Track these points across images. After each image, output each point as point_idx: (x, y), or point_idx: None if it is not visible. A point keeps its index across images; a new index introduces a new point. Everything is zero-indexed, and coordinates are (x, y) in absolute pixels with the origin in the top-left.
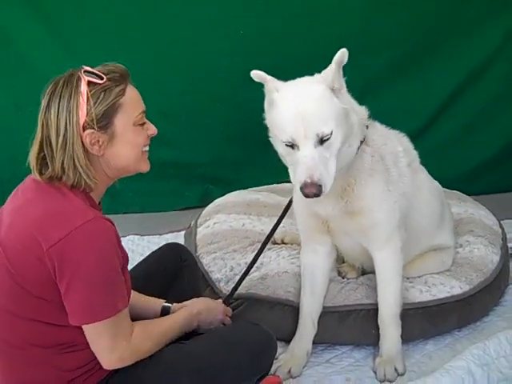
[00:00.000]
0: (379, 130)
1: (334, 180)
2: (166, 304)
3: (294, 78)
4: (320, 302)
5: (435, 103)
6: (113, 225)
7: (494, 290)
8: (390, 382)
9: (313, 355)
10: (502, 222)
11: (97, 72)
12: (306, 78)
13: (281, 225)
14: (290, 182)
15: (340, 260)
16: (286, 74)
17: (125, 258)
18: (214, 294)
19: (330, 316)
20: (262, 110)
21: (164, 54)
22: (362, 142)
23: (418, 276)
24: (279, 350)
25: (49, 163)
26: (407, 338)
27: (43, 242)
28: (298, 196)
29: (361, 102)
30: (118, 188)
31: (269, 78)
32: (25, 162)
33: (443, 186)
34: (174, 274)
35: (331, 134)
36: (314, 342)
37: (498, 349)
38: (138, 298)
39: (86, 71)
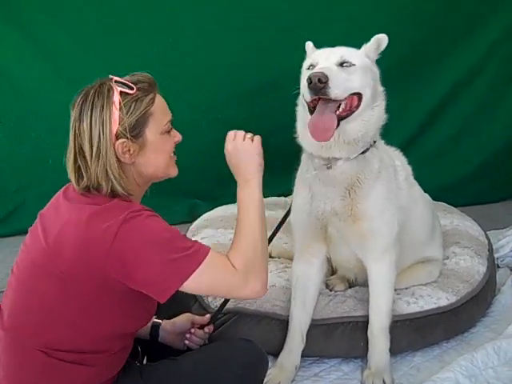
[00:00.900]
0: (381, 142)
1: (346, 167)
2: (156, 320)
3: (283, 91)
4: (310, 314)
5: (420, 116)
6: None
7: (480, 301)
8: None
9: (301, 369)
10: (487, 232)
11: (127, 82)
12: None
13: None
14: (278, 195)
15: (328, 273)
16: (273, 87)
17: None
18: (202, 308)
19: (318, 329)
20: (248, 125)
21: (149, 68)
22: (373, 143)
23: (405, 288)
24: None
25: (83, 173)
26: (395, 350)
27: (101, 244)
28: (300, 198)
29: None
30: None
31: (312, 46)
32: (8, 174)
33: None
34: None
35: (355, 64)
36: (302, 356)
37: (485, 360)
38: None
39: (116, 81)
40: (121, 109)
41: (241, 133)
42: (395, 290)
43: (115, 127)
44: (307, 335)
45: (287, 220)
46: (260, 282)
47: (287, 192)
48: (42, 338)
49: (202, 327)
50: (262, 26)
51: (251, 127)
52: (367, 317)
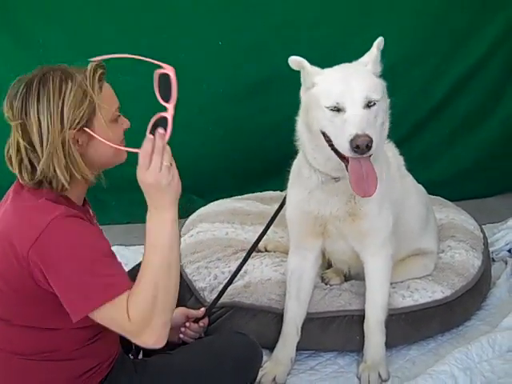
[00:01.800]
0: None
1: None
2: None
3: (279, 89)
4: (305, 308)
5: (418, 113)
6: (82, 219)
7: (475, 294)
8: None
9: (297, 362)
10: (483, 226)
11: (72, 69)
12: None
13: None
14: (273, 190)
15: (323, 266)
16: (267, 86)
17: None
18: (198, 303)
19: (314, 323)
20: (242, 121)
21: (142, 66)
22: None
23: (400, 281)
24: (263, 358)
25: (36, 166)
26: (391, 343)
27: (20, 247)
28: (295, 197)
29: None
30: (102, 199)
31: (308, 64)
32: None
33: None
34: None
35: (378, 101)
36: (297, 349)
37: (480, 353)
38: None
39: (59, 69)
40: (69, 98)
41: (156, 160)
42: (390, 283)
43: (65, 117)
44: (302, 329)
45: (282, 214)
46: (155, 336)
47: (283, 188)
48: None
49: (196, 321)
50: (258, 23)
51: (247, 125)
52: (363, 310)
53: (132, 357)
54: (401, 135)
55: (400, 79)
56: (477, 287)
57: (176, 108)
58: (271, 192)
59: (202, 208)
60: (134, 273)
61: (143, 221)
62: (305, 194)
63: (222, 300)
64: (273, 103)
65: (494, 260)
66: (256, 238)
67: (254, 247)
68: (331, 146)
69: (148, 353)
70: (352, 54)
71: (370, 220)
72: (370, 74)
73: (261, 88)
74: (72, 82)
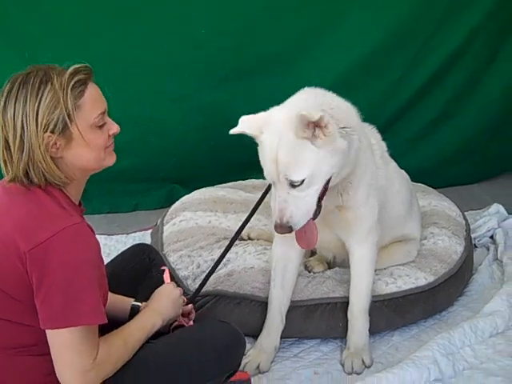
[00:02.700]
0: (359, 127)
1: (338, 179)
2: (135, 303)
3: (259, 76)
4: (289, 295)
5: (400, 100)
6: (94, 233)
7: (458, 280)
8: (358, 374)
9: (280, 350)
10: (465, 213)
11: (54, 71)
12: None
13: None
14: (256, 178)
15: (307, 254)
16: (248, 73)
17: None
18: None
19: (298, 310)
20: (222, 109)
21: (123, 55)
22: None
23: (383, 268)
24: (247, 345)
25: (9, 165)
26: (374, 330)
27: (24, 244)
28: None
29: None
30: (85, 189)
31: (247, 126)
32: None
33: None
34: (143, 274)
35: (302, 181)
36: (281, 337)
37: (462, 338)
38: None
39: (43, 70)
40: (45, 100)
41: (178, 292)
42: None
43: (39, 120)
44: (286, 316)
45: (266, 201)
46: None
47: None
48: None
49: (184, 315)
50: (237, 10)
51: (227, 113)
52: (346, 298)
53: None
54: (383, 123)
55: (381, 66)
56: (459, 273)
57: (156, 98)
58: (254, 180)
59: (185, 197)
60: (115, 263)
61: (123, 210)
62: None
63: (205, 289)
64: (256, 89)
65: (476, 246)
66: (239, 226)
67: (237, 235)
68: None
69: None
70: (336, 37)
71: (356, 210)
72: (299, 146)
73: (243, 75)
74: (51, 84)
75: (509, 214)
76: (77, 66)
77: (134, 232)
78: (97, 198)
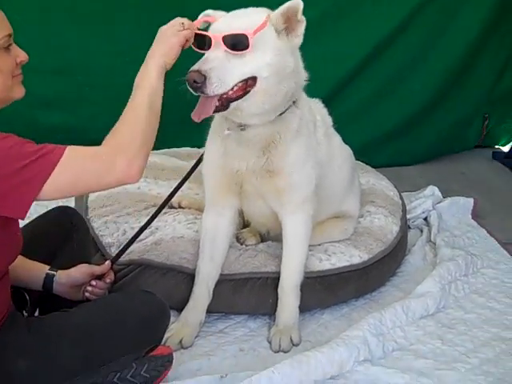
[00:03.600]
0: (304, 97)
1: (262, 129)
2: (50, 271)
3: None
4: (218, 269)
5: (340, 74)
6: None
7: (392, 260)
8: (285, 352)
9: (206, 325)
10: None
11: None
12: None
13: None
14: (191, 146)
15: (240, 226)
16: None
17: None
18: (104, 259)
19: (226, 284)
20: None
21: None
22: (294, 103)
23: (318, 244)
24: (171, 319)
25: None
26: (304, 307)
27: None
28: (213, 153)
29: None
30: None
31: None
32: None
33: None
34: (64, 238)
35: (247, 46)
36: (207, 312)
37: (393, 319)
38: (21, 262)
39: None
40: None
41: (177, 20)
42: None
43: None
44: (214, 290)
45: (199, 170)
46: (131, 163)
47: (201, 144)
48: None
49: (101, 277)
50: None
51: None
52: (278, 273)
53: (26, 314)
54: (323, 96)
55: (324, 34)
56: (393, 253)
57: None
58: (188, 148)
59: None
60: (35, 225)
61: None
62: (219, 148)
63: (130, 257)
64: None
65: (409, 227)
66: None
67: (166, 202)
68: None
69: (45, 310)
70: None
71: (287, 177)
72: (260, 20)
73: None
74: None
75: (444, 196)
76: None
77: None
78: None
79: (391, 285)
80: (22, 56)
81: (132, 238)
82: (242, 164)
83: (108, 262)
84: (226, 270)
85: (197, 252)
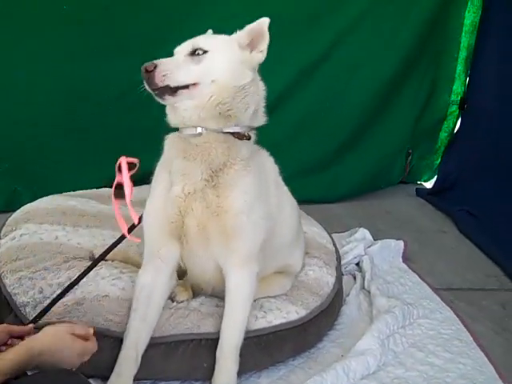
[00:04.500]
0: (256, 146)
1: (212, 137)
2: None
3: (131, 55)
4: (150, 331)
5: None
6: None
7: (329, 314)
8: None
9: None
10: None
11: None
12: None
13: (102, 239)
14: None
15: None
16: (123, 51)
17: None
18: (18, 320)
19: (156, 348)
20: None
21: None
22: (249, 138)
23: (254, 299)
24: None
25: None
26: (240, 370)
27: None
28: (158, 186)
29: None
30: None
31: None
32: None
33: None
34: None
35: (205, 52)
36: (135, 379)
37: (335, 381)
38: None
39: None
40: None
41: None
42: None
43: None
44: (143, 355)
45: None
46: None
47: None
48: None
49: (21, 337)
50: None
51: (97, 90)
52: (213, 334)
53: None
54: None
55: None
56: (331, 307)
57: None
58: (109, 189)
59: (29, 205)
60: None
61: None
62: (166, 176)
63: (49, 319)
64: (116, 70)
65: (342, 274)
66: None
67: (99, 259)
68: None
69: None
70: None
71: (235, 215)
72: (224, 38)
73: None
74: None
75: (374, 239)
76: None
77: None
78: None
79: (328, 340)
80: None
81: (56, 297)
82: (188, 186)
83: (31, 325)
84: (156, 332)
85: (124, 313)
